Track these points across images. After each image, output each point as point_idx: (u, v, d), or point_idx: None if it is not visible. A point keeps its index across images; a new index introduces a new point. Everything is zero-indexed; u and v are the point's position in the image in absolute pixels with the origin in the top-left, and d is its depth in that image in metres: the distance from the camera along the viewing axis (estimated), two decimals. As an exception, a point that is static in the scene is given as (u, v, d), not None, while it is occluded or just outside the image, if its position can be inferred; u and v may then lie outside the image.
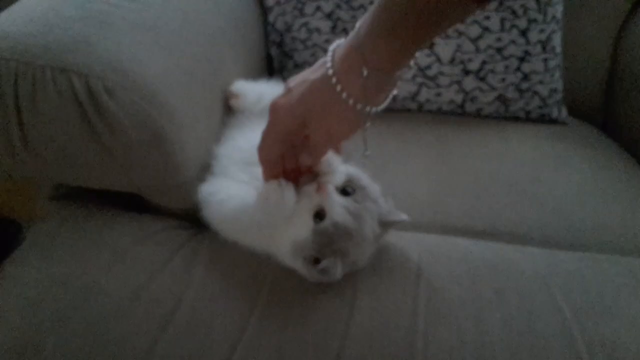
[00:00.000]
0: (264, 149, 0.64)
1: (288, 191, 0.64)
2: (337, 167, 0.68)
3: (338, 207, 0.65)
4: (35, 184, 0.86)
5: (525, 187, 0.93)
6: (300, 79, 0.61)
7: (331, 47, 0.59)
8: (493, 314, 0.65)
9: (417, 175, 0.95)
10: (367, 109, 0.58)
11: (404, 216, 0.70)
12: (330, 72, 0.57)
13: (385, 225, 0.69)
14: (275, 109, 0.61)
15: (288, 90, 0.61)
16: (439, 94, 1.16)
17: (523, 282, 0.69)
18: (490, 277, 0.69)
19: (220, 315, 0.65)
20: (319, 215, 0.65)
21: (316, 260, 0.65)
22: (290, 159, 0.66)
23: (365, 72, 0.55)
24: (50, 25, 0.67)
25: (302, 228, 0.65)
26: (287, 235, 0.66)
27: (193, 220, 0.76)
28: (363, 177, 0.71)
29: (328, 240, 0.64)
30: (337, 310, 0.65)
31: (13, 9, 0.71)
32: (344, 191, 0.67)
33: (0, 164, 0.69)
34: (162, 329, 0.64)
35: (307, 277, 0.66)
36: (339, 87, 0.57)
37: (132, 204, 0.80)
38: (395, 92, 0.60)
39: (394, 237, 0.77)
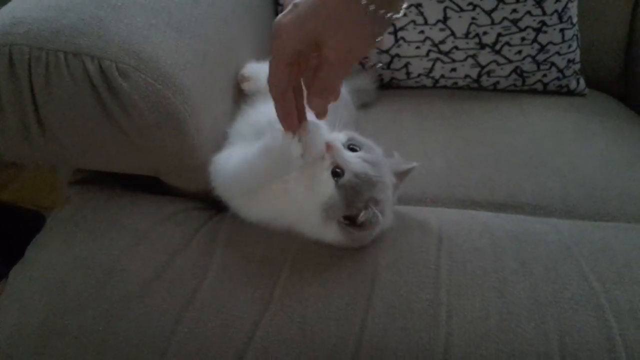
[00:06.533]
0: (271, 76, 0.57)
1: (294, 141, 0.61)
2: (321, 130, 0.66)
3: (353, 159, 0.66)
4: (55, 170, 0.86)
5: (545, 158, 0.91)
6: None
7: None
8: (518, 284, 0.64)
9: (435, 150, 0.94)
10: (388, 14, 0.51)
11: (414, 163, 0.73)
12: None
13: (400, 175, 0.72)
14: (279, 28, 0.54)
15: (294, 6, 0.54)
16: (454, 69, 1.14)
17: (547, 252, 0.68)
18: (513, 248, 0.68)
19: (242, 292, 0.65)
20: (337, 174, 0.65)
21: (350, 221, 0.66)
22: (300, 90, 0.61)
23: None
24: (63, 9, 0.67)
25: (325, 187, 0.65)
26: (313, 202, 0.66)
27: (211, 202, 0.76)
28: (361, 137, 0.71)
29: (354, 192, 0.65)
30: (359, 285, 0.65)
31: (25, -4, 0.71)
32: (351, 149, 0.68)
33: (18, 149, 0.69)
34: (185, 307, 0.64)
35: (345, 244, 0.67)
36: None
37: (151, 186, 0.80)
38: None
39: (412, 211, 0.76)
